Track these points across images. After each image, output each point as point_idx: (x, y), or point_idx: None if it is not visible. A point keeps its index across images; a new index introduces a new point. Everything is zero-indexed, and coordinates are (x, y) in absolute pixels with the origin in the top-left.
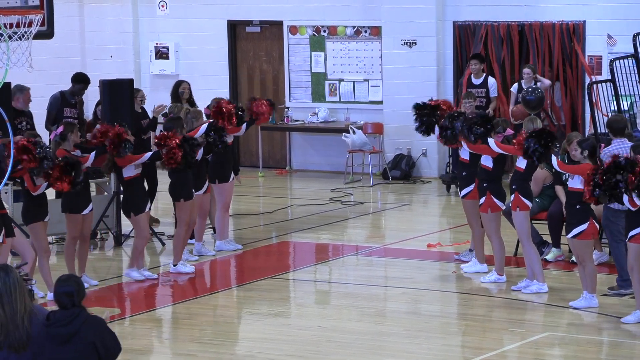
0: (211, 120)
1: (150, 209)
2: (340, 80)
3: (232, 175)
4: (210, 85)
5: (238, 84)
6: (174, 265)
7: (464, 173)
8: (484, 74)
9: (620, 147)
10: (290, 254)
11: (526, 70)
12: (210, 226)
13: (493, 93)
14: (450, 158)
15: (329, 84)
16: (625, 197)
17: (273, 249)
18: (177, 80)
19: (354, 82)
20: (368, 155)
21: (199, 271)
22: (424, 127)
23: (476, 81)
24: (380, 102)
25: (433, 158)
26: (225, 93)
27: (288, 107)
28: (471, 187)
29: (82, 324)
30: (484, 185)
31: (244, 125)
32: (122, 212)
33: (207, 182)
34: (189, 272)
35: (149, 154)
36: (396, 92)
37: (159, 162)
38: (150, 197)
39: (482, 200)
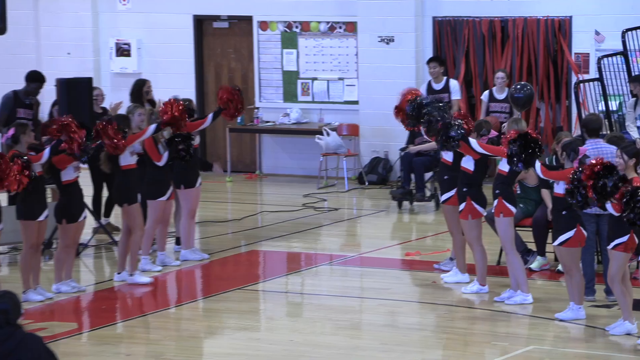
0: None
1: (102, 217)
2: (314, 79)
3: (199, 180)
4: (175, 84)
5: (204, 83)
6: (130, 275)
7: (445, 177)
8: (445, 78)
9: (595, 148)
10: (260, 264)
11: (499, 74)
12: (174, 235)
13: (455, 95)
14: (402, 172)
15: (302, 83)
16: (608, 202)
17: (242, 258)
18: (139, 79)
19: (328, 81)
20: (343, 158)
21: (160, 282)
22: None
23: (437, 86)
24: (356, 102)
25: None
26: (190, 93)
27: (258, 108)
28: (452, 191)
29: (17, 344)
30: (464, 190)
31: (210, 115)
32: (55, 217)
33: (171, 188)
34: (146, 282)
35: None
36: (373, 91)
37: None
38: (111, 204)
39: (462, 206)
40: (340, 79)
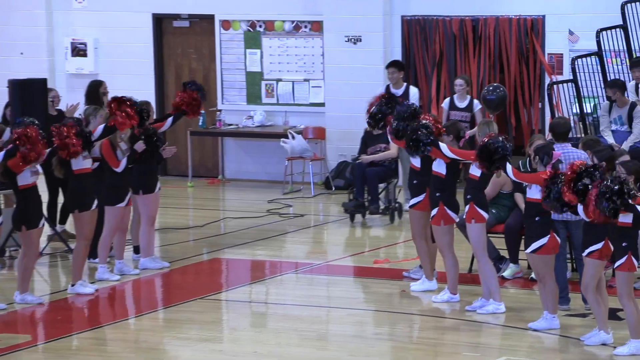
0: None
1: (57, 223)
2: (278, 80)
3: (158, 185)
4: (133, 85)
5: (164, 84)
6: (72, 286)
7: (414, 181)
8: (405, 84)
9: (563, 152)
10: (223, 272)
11: (458, 81)
12: (132, 243)
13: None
14: (355, 183)
15: (266, 85)
16: (580, 207)
17: (204, 266)
18: (94, 80)
19: (293, 82)
20: (309, 162)
21: (119, 292)
22: (378, 116)
23: (396, 92)
24: (322, 105)
25: None
26: (149, 94)
27: (220, 110)
28: (421, 197)
29: None
30: (437, 195)
31: (169, 119)
32: (13, 224)
33: (129, 193)
34: (88, 293)
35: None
36: (339, 93)
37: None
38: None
39: (434, 211)
40: (306, 80)
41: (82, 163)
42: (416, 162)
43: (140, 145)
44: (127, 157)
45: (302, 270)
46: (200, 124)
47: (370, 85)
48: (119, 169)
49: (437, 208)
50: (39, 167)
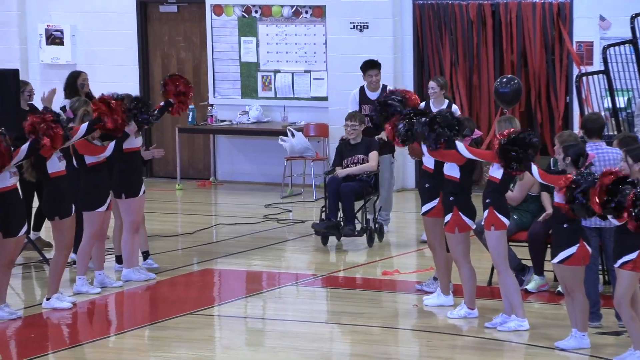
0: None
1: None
2: (276, 71)
3: (143, 188)
4: (115, 77)
5: (150, 76)
6: (47, 299)
7: (426, 185)
8: (381, 85)
9: (596, 151)
10: (215, 284)
11: (431, 84)
12: (113, 252)
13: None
14: (327, 200)
15: (262, 77)
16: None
17: (194, 278)
18: (73, 71)
19: (292, 73)
20: (310, 163)
21: (99, 306)
22: (381, 117)
23: (373, 95)
24: (325, 99)
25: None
26: (133, 87)
27: (212, 105)
28: (434, 202)
29: None
30: (450, 199)
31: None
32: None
33: (109, 197)
34: (65, 307)
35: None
36: (344, 86)
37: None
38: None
39: (448, 217)
40: (307, 71)
41: (59, 165)
42: (429, 163)
43: (131, 128)
44: (117, 139)
45: (303, 283)
46: (189, 120)
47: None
48: (107, 153)
49: (451, 214)
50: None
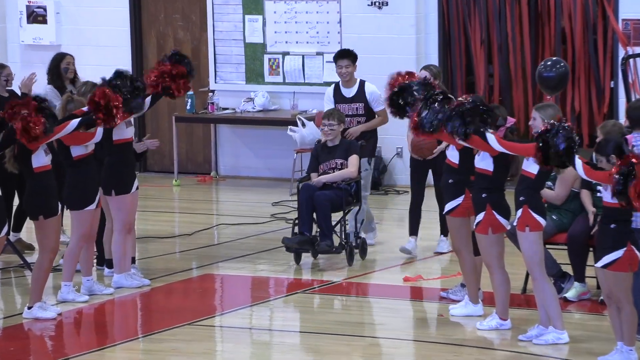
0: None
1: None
2: (285, 53)
3: (136, 184)
4: (105, 59)
5: (144, 58)
6: (29, 308)
7: (450, 180)
8: (358, 81)
9: None
10: (217, 292)
11: (423, 73)
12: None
13: (378, 106)
14: (300, 211)
15: (269, 59)
16: None
17: (193, 284)
18: (58, 53)
19: (303, 56)
20: None
21: (87, 316)
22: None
23: (348, 91)
24: None
25: None
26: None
27: (213, 91)
28: (459, 199)
29: None
30: (482, 196)
31: (147, 100)
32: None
33: (98, 194)
34: (49, 317)
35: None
36: (361, 70)
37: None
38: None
39: (480, 217)
40: (319, 53)
41: (45, 159)
42: (453, 156)
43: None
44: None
45: (316, 290)
46: (187, 107)
47: (399, 60)
48: (97, 138)
49: (483, 212)
50: None
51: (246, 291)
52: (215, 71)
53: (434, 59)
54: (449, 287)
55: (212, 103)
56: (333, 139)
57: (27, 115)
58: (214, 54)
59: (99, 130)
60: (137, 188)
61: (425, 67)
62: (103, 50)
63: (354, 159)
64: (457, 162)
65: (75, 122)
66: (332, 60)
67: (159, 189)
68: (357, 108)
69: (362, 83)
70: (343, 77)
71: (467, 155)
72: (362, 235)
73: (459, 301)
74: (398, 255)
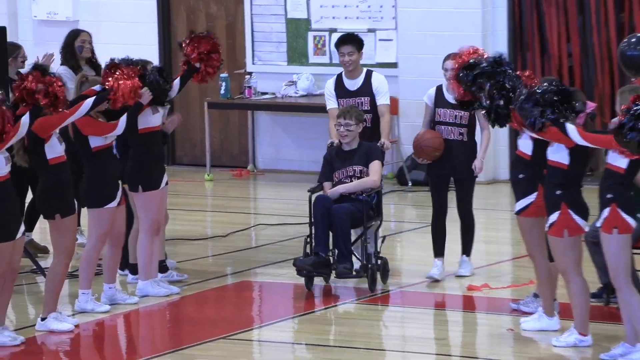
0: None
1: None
2: (332, 31)
3: (165, 179)
4: (128, 38)
5: (172, 37)
6: (43, 320)
7: (521, 175)
8: (364, 72)
9: None
10: (255, 301)
11: (449, 64)
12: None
13: (382, 99)
14: (314, 228)
15: (315, 37)
16: None
17: (227, 293)
18: (73, 30)
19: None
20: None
21: (108, 329)
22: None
23: (352, 84)
24: (394, 65)
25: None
26: (151, 51)
27: (250, 73)
28: (532, 196)
29: None
30: (557, 193)
31: (176, 82)
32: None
33: (119, 189)
34: (65, 329)
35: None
36: (418, 49)
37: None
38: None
39: (554, 217)
40: (371, 31)
41: (59, 148)
42: (525, 147)
43: (146, 96)
44: (127, 112)
45: (366, 299)
46: (221, 92)
47: (462, 37)
48: (119, 131)
49: (557, 212)
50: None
51: (288, 301)
52: (252, 51)
53: (502, 38)
54: (520, 298)
55: (249, 87)
56: (350, 141)
57: (52, 91)
58: (252, 32)
59: (122, 121)
60: (167, 183)
61: (453, 57)
62: (125, 28)
63: (376, 166)
64: (529, 152)
65: (89, 101)
66: (335, 46)
67: (189, 184)
68: (362, 103)
69: (368, 74)
70: (346, 67)
71: (542, 145)
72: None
73: (531, 313)
74: (459, 259)
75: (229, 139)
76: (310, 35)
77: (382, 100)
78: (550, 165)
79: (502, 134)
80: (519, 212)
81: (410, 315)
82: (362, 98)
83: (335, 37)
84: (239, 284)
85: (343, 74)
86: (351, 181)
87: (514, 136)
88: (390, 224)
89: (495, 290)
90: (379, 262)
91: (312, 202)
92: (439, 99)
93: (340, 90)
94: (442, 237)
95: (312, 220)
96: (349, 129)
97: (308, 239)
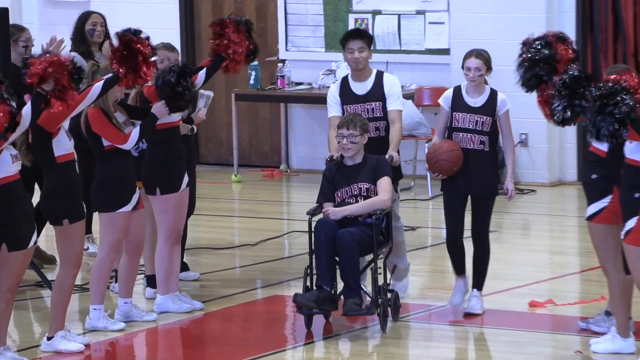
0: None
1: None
2: (376, 13)
3: (186, 179)
4: (147, 21)
5: (195, 21)
6: (48, 339)
7: (594, 176)
8: (374, 73)
9: None
10: (288, 318)
11: (473, 62)
12: (143, 271)
13: (394, 104)
14: (316, 257)
15: (356, 20)
16: None
17: (257, 308)
18: (84, 12)
19: (398, 15)
20: (424, 144)
21: (122, 349)
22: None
23: (360, 87)
24: (446, 52)
25: (541, 149)
26: (172, 35)
27: (284, 61)
28: (605, 200)
29: None
30: (635, 196)
31: (202, 73)
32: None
33: (137, 192)
34: (74, 350)
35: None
36: (473, 34)
37: None
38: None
39: (631, 223)
40: (420, 12)
41: (69, 144)
42: (601, 144)
43: (161, 109)
44: (141, 125)
45: (415, 317)
46: (251, 82)
47: (523, 20)
48: (127, 145)
49: (635, 218)
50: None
51: (324, 318)
52: (286, 36)
53: (569, 21)
54: (590, 316)
55: (282, 76)
56: (354, 155)
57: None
58: (285, 14)
59: (134, 135)
60: (187, 185)
61: (477, 53)
62: (144, 10)
63: (385, 183)
64: (605, 149)
65: (99, 85)
66: (341, 43)
67: (215, 186)
68: (373, 109)
69: (379, 75)
70: (356, 65)
71: (619, 144)
72: (393, 286)
73: (603, 334)
74: (523, 272)
75: (259, 136)
76: (351, 17)
77: (394, 105)
78: (628, 165)
79: (569, 129)
80: (590, 218)
81: (464, 334)
82: (373, 103)
83: (380, 20)
84: (270, 299)
85: (349, 76)
86: (356, 201)
87: (583, 132)
88: (441, 230)
89: (561, 307)
90: (389, 295)
91: (312, 227)
92: (457, 102)
93: (347, 95)
94: (462, 253)
95: (313, 248)
96: (353, 141)
97: (308, 270)
